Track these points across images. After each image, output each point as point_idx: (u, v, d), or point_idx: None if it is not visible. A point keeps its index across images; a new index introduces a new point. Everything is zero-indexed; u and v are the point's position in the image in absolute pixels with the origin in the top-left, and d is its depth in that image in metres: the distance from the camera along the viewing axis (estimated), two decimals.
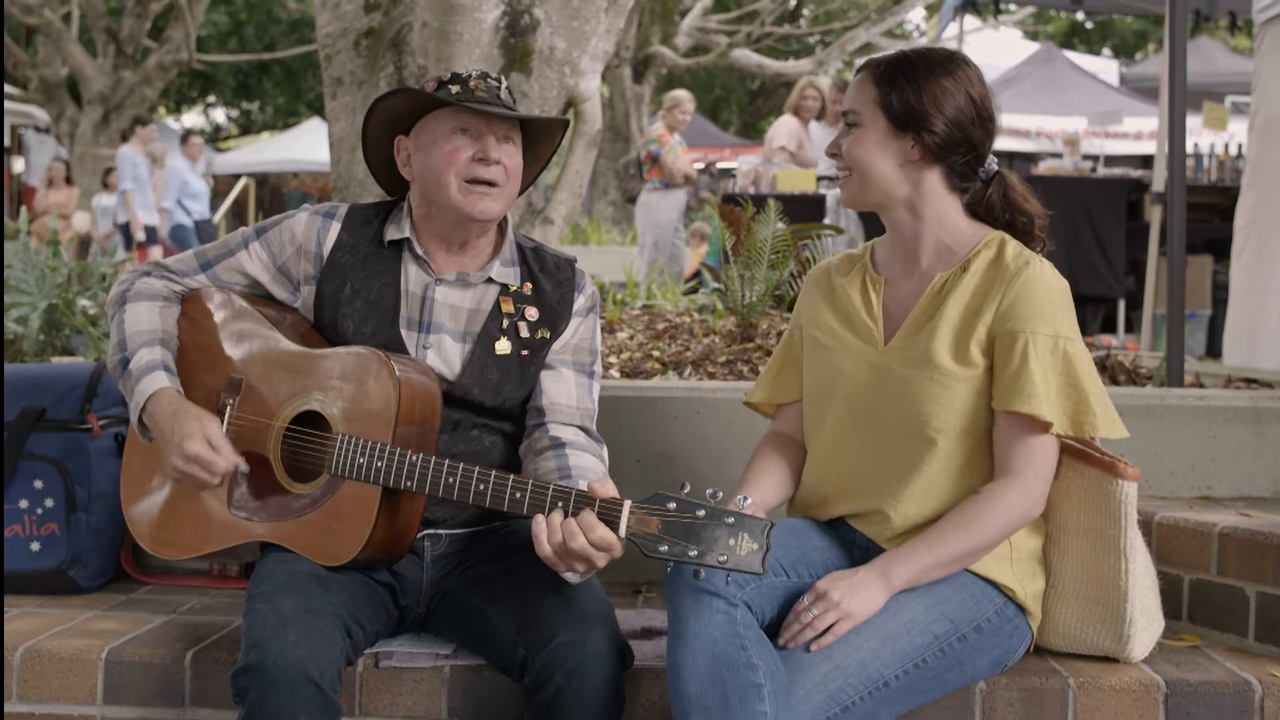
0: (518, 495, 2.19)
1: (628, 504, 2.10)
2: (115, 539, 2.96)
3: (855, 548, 2.41)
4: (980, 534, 2.25)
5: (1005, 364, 2.27)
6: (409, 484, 2.26)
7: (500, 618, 2.31)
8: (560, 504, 2.15)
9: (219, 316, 2.53)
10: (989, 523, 2.25)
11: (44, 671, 2.46)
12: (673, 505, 2.07)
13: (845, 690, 2.12)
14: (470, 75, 2.44)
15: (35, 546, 2.89)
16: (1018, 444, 2.28)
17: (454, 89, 2.41)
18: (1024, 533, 2.37)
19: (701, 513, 2.05)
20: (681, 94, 10.57)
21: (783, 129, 9.42)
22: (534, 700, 2.21)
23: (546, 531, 2.13)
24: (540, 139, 2.57)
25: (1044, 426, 2.26)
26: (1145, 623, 2.44)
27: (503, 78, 2.50)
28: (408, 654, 2.42)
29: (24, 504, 2.91)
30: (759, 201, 4.63)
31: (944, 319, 2.32)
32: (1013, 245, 2.36)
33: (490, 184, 2.42)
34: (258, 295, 2.56)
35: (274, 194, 24.24)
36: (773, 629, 2.25)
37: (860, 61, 2.50)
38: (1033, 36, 23.12)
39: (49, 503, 2.91)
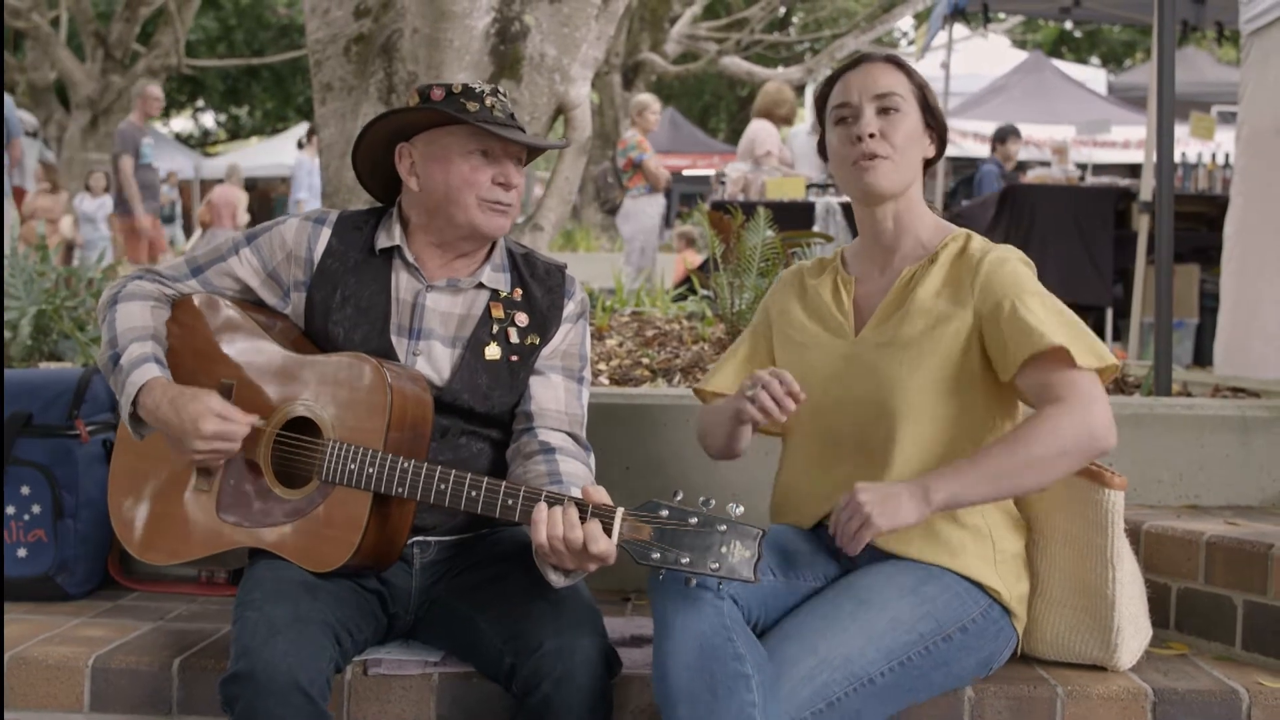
0: (509, 502, 2.19)
1: (620, 511, 2.11)
2: (102, 545, 2.95)
3: (844, 554, 2.41)
4: (1029, 450, 2.16)
5: (998, 329, 2.27)
6: (400, 490, 2.26)
7: (488, 625, 2.31)
8: (551, 508, 2.15)
9: (210, 322, 2.53)
10: (1040, 440, 2.17)
11: (30, 679, 2.44)
12: (665, 513, 2.07)
13: (831, 685, 2.12)
14: (484, 91, 2.44)
15: (22, 553, 2.88)
16: (1054, 379, 2.22)
17: (471, 106, 2.41)
18: (1007, 534, 2.38)
19: (694, 520, 2.05)
20: (648, 98, 10.56)
21: (765, 134, 9.48)
22: (522, 708, 2.20)
23: (548, 521, 2.13)
24: (531, 153, 2.59)
25: (1066, 357, 2.21)
26: (1133, 631, 2.45)
27: (506, 92, 2.51)
28: (396, 661, 2.42)
29: (11, 510, 2.90)
30: (748, 209, 4.63)
31: (915, 304, 2.36)
32: (977, 239, 2.42)
33: (509, 204, 2.45)
34: (249, 301, 2.56)
35: (262, 199, 24.18)
36: (758, 629, 2.25)
37: (864, 52, 2.53)
38: (1021, 45, 23.23)
39: (36, 509, 2.90)
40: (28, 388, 2.98)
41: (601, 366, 3.99)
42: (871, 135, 2.35)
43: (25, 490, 2.91)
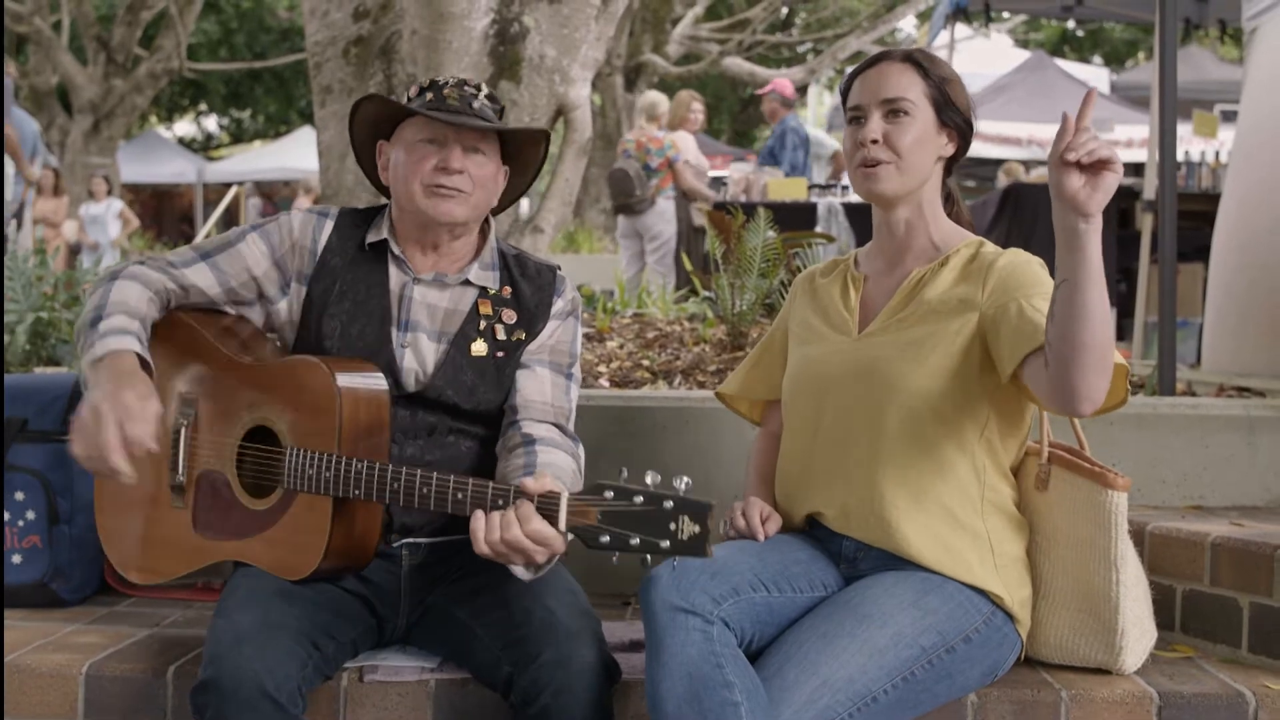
0: (459, 496, 2.16)
1: (564, 496, 2.06)
2: (98, 551, 2.91)
3: (843, 559, 2.39)
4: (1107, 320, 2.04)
5: (1002, 327, 2.23)
6: (358, 493, 2.23)
7: (485, 632, 2.29)
8: (500, 501, 2.11)
9: (170, 338, 2.48)
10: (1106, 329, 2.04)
11: (24, 686, 2.42)
12: (610, 494, 2.00)
13: (833, 708, 2.08)
14: (446, 83, 2.44)
15: (17, 559, 2.87)
16: None
17: (428, 96, 2.44)
18: (1008, 536, 2.35)
19: (639, 499, 1.98)
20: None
21: (686, 143, 9.51)
22: (520, 717, 2.18)
23: (485, 528, 2.09)
24: (524, 148, 2.56)
25: None
26: (1138, 634, 2.43)
27: (483, 85, 2.49)
28: (393, 667, 2.40)
29: (6, 516, 2.88)
30: (749, 209, 4.61)
31: (920, 305, 2.34)
32: (990, 246, 2.40)
33: (453, 189, 2.42)
34: (232, 301, 2.51)
35: (265, 202, 24.21)
36: (753, 648, 2.22)
37: (874, 50, 2.51)
38: (1023, 44, 23.23)
39: (31, 515, 2.88)
40: (23, 393, 2.96)
41: (602, 369, 3.97)
42: (874, 141, 2.35)
43: (20, 496, 2.89)
